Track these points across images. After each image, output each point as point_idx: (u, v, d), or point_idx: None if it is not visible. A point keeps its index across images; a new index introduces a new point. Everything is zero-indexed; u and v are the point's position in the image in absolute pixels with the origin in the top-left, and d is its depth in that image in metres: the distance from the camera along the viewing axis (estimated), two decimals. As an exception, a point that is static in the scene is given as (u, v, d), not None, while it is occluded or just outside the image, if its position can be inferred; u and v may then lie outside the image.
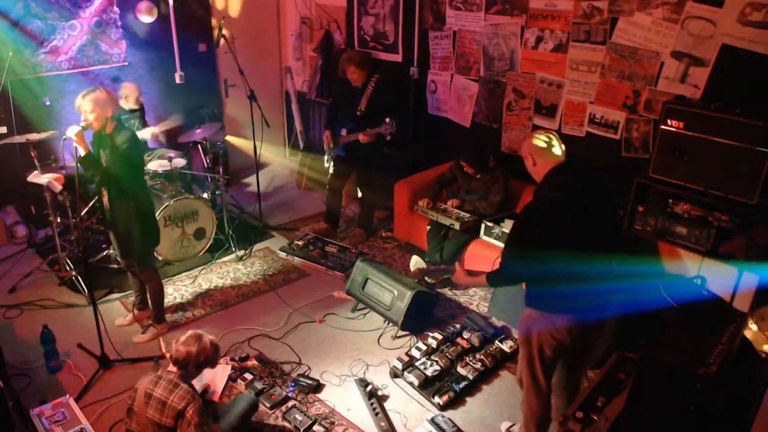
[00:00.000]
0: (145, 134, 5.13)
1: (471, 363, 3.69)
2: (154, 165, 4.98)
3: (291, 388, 3.54)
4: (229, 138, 5.65)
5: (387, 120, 4.76)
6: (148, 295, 4.07)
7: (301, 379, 3.60)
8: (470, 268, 3.30)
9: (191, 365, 2.73)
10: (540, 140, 2.72)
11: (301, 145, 6.99)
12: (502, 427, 3.30)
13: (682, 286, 3.19)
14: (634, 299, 2.90)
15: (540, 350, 2.76)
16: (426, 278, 4.68)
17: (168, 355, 2.82)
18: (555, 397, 2.98)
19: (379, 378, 3.67)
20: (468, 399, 3.52)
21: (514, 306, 4.13)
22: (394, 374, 3.67)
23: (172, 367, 2.75)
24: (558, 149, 2.72)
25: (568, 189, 2.66)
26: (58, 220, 4.64)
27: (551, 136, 2.74)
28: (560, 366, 2.93)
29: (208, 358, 2.77)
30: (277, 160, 7.11)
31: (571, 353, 2.85)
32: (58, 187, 4.38)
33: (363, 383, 3.55)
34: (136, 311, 4.19)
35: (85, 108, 3.41)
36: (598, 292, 2.56)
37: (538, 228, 2.62)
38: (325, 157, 5.46)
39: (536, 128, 4.74)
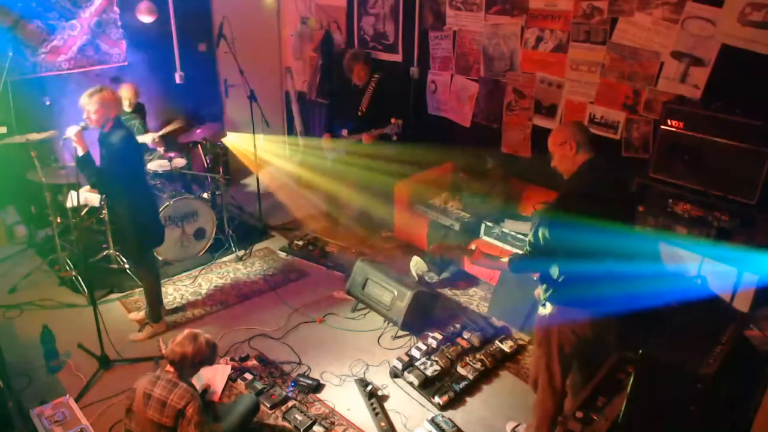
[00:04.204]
0: (146, 139, 5.11)
1: (471, 363, 3.69)
2: (154, 165, 4.98)
3: (291, 388, 3.53)
4: (226, 141, 5.61)
5: (393, 120, 4.76)
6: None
7: (301, 379, 3.60)
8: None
9: (187, 366, 2.74)
10: (586, 130, 2.73)
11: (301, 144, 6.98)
12: (507, 428, 3.29)
13: (682, 285, 3.18)
14: (647, 294, 2.88)
15: (560, 349, 2.76)
16: (427, 278, 4.68)
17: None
18: (569, 399, 2.97)
19: (379, 378, 3.67)
20: (468, 399, 3.52)
21: (514, 306, 4.14)
22: (394, 374, 3.67)
23: (169, 367, 2.75)
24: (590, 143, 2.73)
25: (603, 181, 2.70)
26: (58, 220, 4.64)
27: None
28: (575, 367, 2.93)
29: (204, 357, 2.77)
30: (277, 160, 7.10)
31: (588, 351, 2.84)
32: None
33: (363, 383, 3.55)
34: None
35: (90, 108, 3.43)
36: (620, 287, 2.56)
37: (571, 218, 2.56)
38: (326, 158, 5.46)
39: (536, 128, 4.76)
